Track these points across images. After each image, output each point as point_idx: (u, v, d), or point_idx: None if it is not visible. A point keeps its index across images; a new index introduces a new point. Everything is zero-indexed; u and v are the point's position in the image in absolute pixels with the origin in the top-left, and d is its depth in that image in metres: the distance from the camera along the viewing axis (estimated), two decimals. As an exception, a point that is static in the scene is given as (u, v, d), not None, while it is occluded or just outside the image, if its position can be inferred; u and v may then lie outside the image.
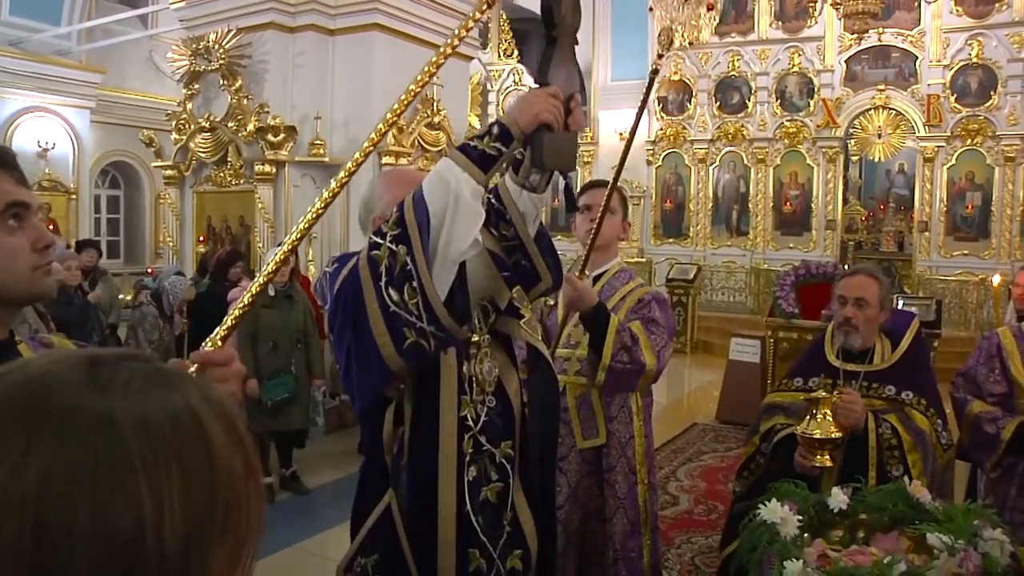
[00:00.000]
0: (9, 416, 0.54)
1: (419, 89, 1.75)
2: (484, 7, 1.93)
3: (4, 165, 1.43)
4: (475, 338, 2.10)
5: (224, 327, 1.36)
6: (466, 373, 2.07)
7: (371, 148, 1.65)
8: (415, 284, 1.79)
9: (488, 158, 1.86)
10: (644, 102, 3.12)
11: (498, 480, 2.11)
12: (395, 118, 1.71)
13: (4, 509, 0.51)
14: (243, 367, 1.40)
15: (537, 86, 2.00)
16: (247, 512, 0.61)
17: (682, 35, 11.27)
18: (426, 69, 1.75)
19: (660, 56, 3.26)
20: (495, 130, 1.88)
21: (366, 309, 1.84)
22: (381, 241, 1.83)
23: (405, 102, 1.70)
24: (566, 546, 3.23)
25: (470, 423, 2.06)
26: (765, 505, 2.13)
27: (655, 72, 3.12)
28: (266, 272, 1.48)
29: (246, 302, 1.41)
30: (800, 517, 2.09)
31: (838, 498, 2.16)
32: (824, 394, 2.74)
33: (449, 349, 2.01)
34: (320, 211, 1.55)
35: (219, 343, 1.34)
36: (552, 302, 3.31)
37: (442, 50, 1.78)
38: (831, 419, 2.70)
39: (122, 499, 0.52)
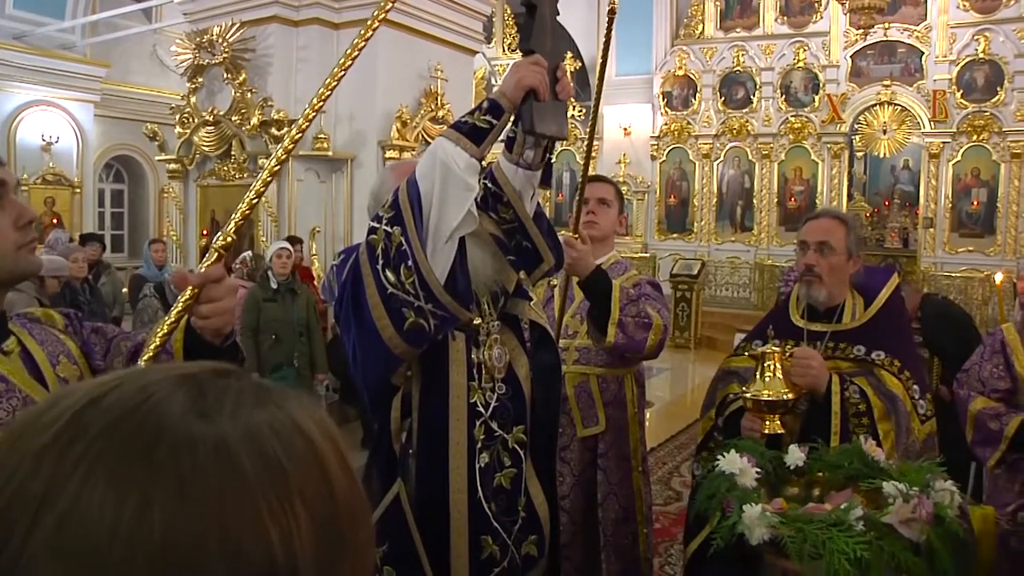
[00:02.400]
0: (119, 455, 0.47)
1: (347, 66, 1.65)
2: None
3: None
4: (479, 321, 2.09)
5: (205, 263, 1.38)
6: (475, 359, 2.06)
7: (306, 124, 1.57)
8: (410, 263, 1.80)
9: (479, 131, 1.87)
10: (607, 40, 3.01)
11: (511, 466, 2.10)
12: (329, 93, 1.62)
13: (129, 563, 0.44)
14: (235, 281, 1.43)
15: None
16: (362, 533, 0.55)
17: None
18: (354, 43, 1.66)
19: None
20: (485, 104, 1.91)
21: (365, 294, 1.85)
22: (377, 225, 1.85)
23: (332, 84, 1.61)
24: (573, 535, 3.24)
25: (480, 409, 2.05)
26: (724, 456, 2.13)
27: (612, 11, 3.01)
28: (207, 263, 1.41)
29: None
30: (757, 470, 2.09)
31: (795, 455, 2.13)
32: (773, 348, 2.43)
33: (458, 335, 2.01)
34: (267, 181, 1.48)
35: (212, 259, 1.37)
36: (553, 281, 3.29)
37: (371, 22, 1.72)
38: (782, 378, 2.39)
39: (250, 535, 0.46)
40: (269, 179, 1.48)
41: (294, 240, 7.03)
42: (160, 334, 1.33)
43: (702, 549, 2.50)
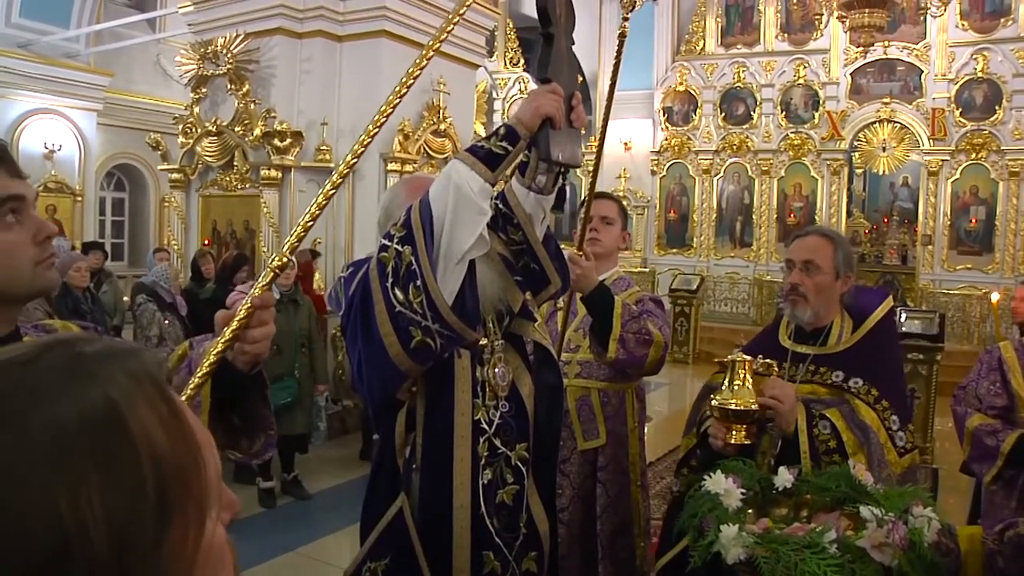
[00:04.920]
0: None
1: (409, 84, 1.74)
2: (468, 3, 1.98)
3: None
4: (484, 342, 2.11)
5: (260, 285, 1.40)
6: (479, 377, 2.08)
7: (362, 150, 1.65)
8: (419, 283, 1.83)
9: (495, 156, 1.89)
10: (617, 63, 3.08)
11: (514, 483, 2.12)
12: (383, 119, 1.70)
13: None
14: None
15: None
16: (198, 480, 0.60)
17: None
18: (416, 63, 1.76)
19: (625, 19, 3.15)
20: (501, 130, 1.93)
21: (374, 310, 1.87)
22: (389, 244, 1.87)
23: (393, 102, 1.70)
24: (571, 547, 3.26)
25: (484, 426, 2.07)
26: (710, 477, 2.14)
27: (623, 35, 3.08)
28: (262, 284, 1.45)
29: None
30: (744, 492, 2.10)
31: (783, 477, 2.13)
32: (742, 356, 2.35)
33: (463, 353, 2.03)
34: (316, 213, 1.54)
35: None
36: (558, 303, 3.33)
37: (426, 51, 1.79)
38: (750, 387, 2.30)
39: (37, 512, 0.52)
40: (332, 191, 1.55)
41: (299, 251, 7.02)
42: (209, 361, 1.32)
43: (673, 564, 2.51)
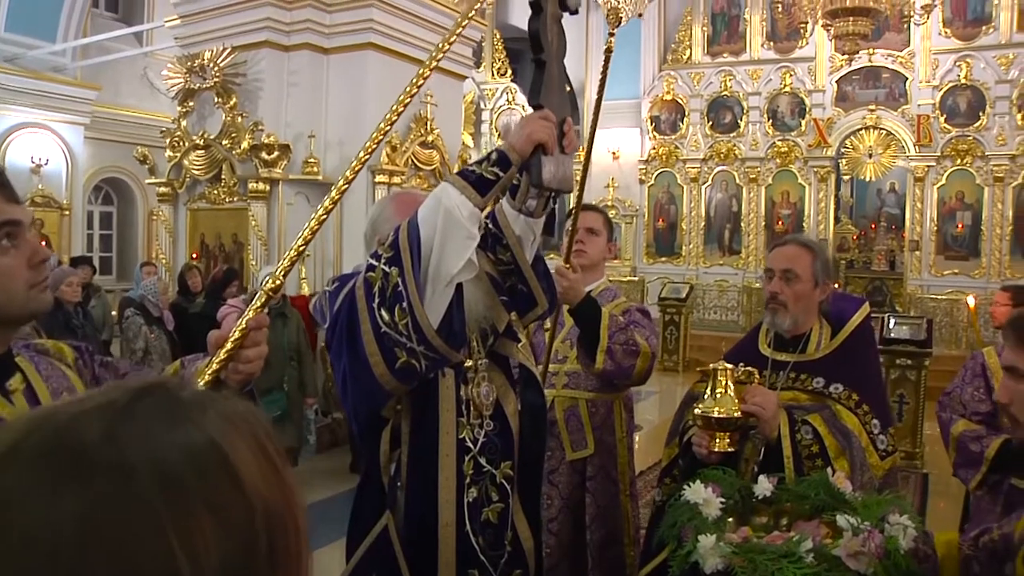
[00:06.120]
0: (39, 483, 0.51)
1: (406, 103, 1.79)
2: (464, 23, 2.00)
3: None
4: (469, 363, 2.11)
5: (254, 307, 1.43)
6: (463, 396, 2.09)
7: (359, 167, 1.69)
8: (404, 305, 1.83)
9: (486, 182, 1.90)
10: (603, 81, 3.12)
11: (499, 501, 2.13)
12: (381, 136, 1.75)
13: (34, 552, 0.49)
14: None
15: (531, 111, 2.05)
16: (294, 532, 0.59)
17: (628, 13, 11.30)
18: (412, 82, 1.79)
19: (611, 34, 3.19)
20: (493, 156, 1.93)
21: (360, 329, 1.87)
22: (376, 263, 1.88)
23: (391, 120, 1.74)
24: (560, 557, 3.27)
25: (469, 445, 2.08)
26: (690, 486, 2.16)
27: (609, 51, 3.11)
28: (255, 306, 1.48)
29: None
30: (723, 500, 2.12)
31: (763, 485, 2.15)
32: (724, 364, 2.38)
33: (447, 372, 2.04)
34: (314, 229, 1.57)
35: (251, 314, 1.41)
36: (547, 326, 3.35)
37: (424, 68, 1.83)
38: (733, 395, 2.33)
39: (152, 560, 0.50)
40: (324, 216, 1.58)
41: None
42: (204, 381, 1.35)
43: (655, 574, 2.51)
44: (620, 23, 3.21)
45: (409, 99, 1.81)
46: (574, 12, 2.19)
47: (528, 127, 1.95)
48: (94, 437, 0.53)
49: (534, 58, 2.07)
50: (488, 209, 2.05)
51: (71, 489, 0.51)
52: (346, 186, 1.62)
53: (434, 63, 1.88)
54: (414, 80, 1.81)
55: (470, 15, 2.08)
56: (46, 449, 0.53)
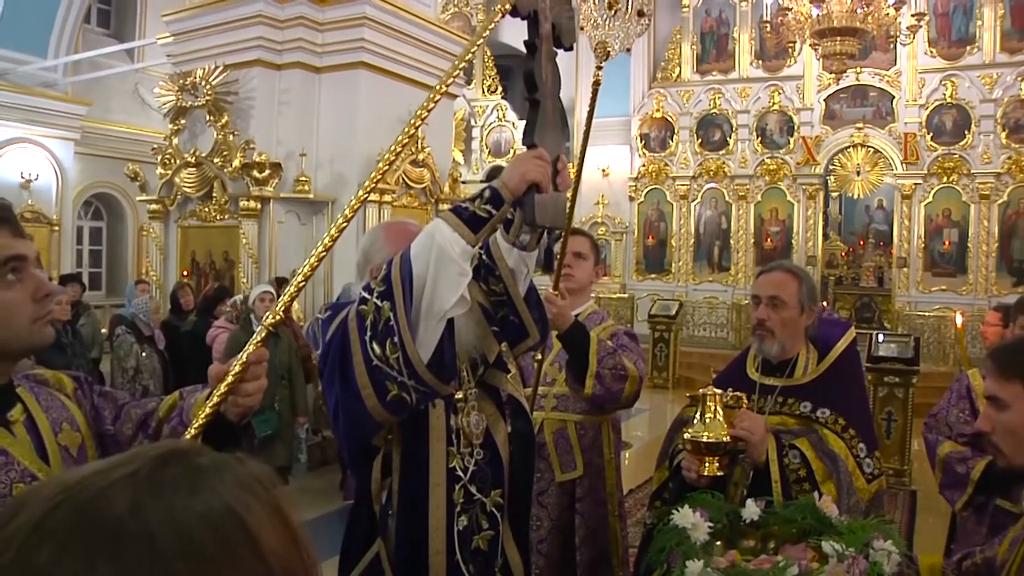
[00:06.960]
0: (68, 557, 0.54)
1: (412, 131, 1.83)
2: (473, 49, 2.03)
3: (1, 220, 1.41)
4: (459, 395, 2.13)
5: (255, 342, 1.47)
6: (453, 426, 2.10)
7: (365, 196, 1.72)
8: (396, 340, 1.85)
9: (478, 220, 1.91)
10: (591, 113, 3.17)
11: (489, 528, 2.14)
12: (387, 166, 1.78)
13: None
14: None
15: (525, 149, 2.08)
16: None
17: (616, 47, 11.42)
18: (418, 113, 1.83)
19: (599, 68, 3.24)
20: (486, 193, 1.95)
21: (352, 360, 1.89)
22: (369, 296, 1.90)
23: (396, 151, 1.78)
24: None
25: (459, 474, 2.10)
26: (679, 511, 2.17)
27: (597, 83, 3.15)
28: (256, 341, 1.52)
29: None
30: (711, 524, 2.13)
31: (751, 509, 2.17)
32: (713, 389, 2.41)
33: (437, 402, 2.05)
34: (314, 266, 1.60)
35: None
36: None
37: (430, 97, 1.87)
38: (722, 420, 2.36)
39: None
40: (323, 253, 1.60)
41: (282, 281, 7.01)
42: (205, 413, 1.38)
43: None
44: (608, 57, 3.25)
45: (420, 122, 1.86)
46: (568, 49, 2.22)
47: (522, 166, 1.96)
48: (121, 510, 0.56)
49: (528, 97, 2.09)
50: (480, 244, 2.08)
51: (103, 565, 0.53)
52: (345, 223, 1.66)
53: (444, 87, 1.92)
54: (424, 104, 1.85)
55: (485, 34, 2.12)
56: (77, 525, 0.55)
